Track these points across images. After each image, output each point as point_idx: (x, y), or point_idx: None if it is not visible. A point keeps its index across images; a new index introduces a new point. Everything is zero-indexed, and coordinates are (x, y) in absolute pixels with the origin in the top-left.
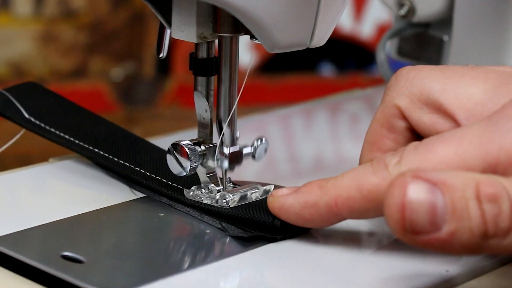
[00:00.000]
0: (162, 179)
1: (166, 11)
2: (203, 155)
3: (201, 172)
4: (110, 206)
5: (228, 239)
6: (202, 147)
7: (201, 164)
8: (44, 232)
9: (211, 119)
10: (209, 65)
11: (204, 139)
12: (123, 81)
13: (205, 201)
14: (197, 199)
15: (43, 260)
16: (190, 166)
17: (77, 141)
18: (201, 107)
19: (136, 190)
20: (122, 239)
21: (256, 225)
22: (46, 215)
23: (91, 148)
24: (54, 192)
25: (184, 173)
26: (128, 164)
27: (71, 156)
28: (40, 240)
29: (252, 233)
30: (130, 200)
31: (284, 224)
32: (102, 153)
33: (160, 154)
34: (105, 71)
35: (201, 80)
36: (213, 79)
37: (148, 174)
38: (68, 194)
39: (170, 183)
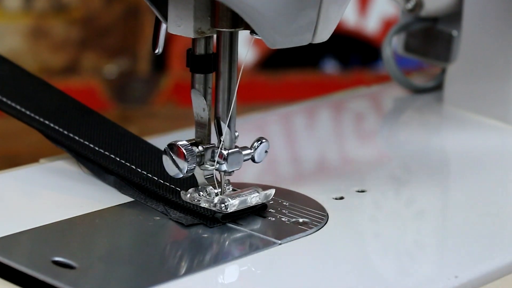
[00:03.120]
0: (110, 154)
1: (162, 5)
2: (200, 156)
3: (199, 174)
4: (103, 209)
5: (226, 244)
6: (200, 148)
7: (199, 165)
8: (34, 236)
9: (209, 119)
10: (207, 62)
11: (201, 139)
12: (117, 78)
13: (203, 205)
14: (195, 202)
15: (33, 265)
16: (187, 167)
17: (28, 112)
18: (199, 105)
19: (84, 166)
20: (116, 243)
21: (197, 215)
22: (37, 219)
23: (41, 120)
24: (45, 195)
25: (181, 175)
26: (77, 138)
27: (62, 156)
28: (30, 245)
29: (193, 220)
30: (124, 203)
31: (226, 217)
32: (52, 125)
33: (111, 128)
34: (98, 68)
35: (199, 77)
36: (211, 76)
37: (97, 149)
38: (60, 197)
39: (118, 159)
